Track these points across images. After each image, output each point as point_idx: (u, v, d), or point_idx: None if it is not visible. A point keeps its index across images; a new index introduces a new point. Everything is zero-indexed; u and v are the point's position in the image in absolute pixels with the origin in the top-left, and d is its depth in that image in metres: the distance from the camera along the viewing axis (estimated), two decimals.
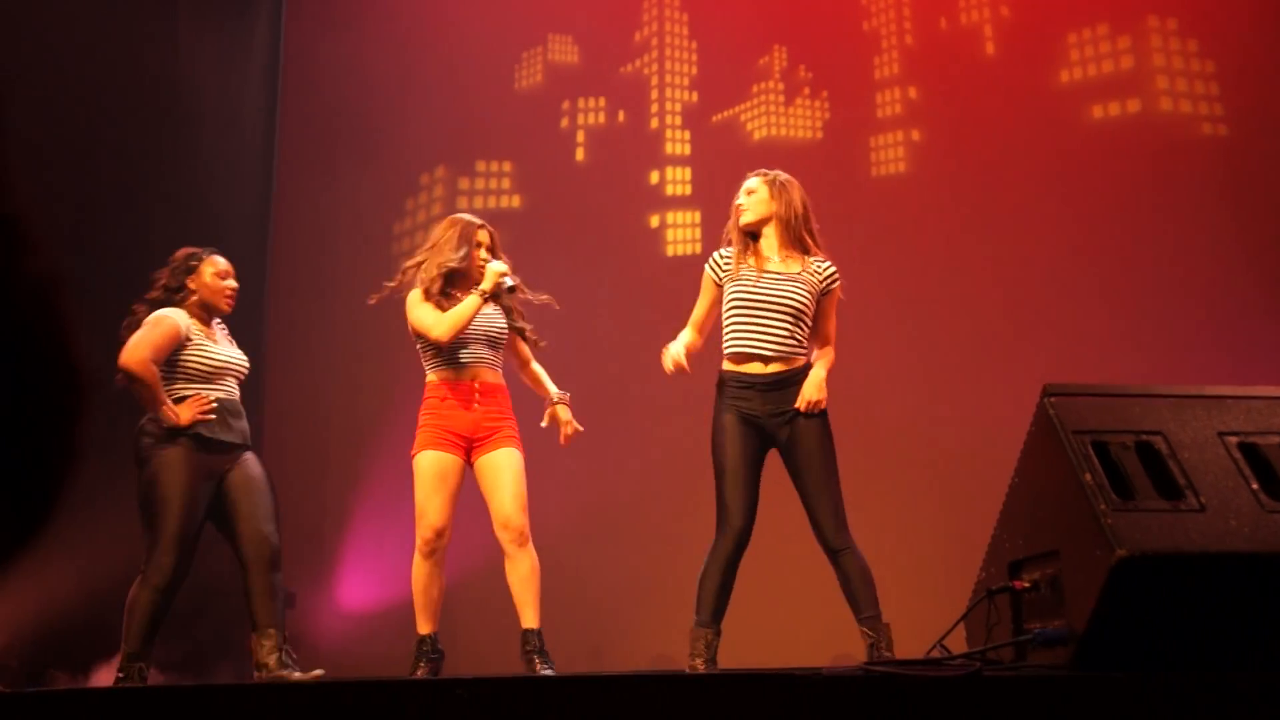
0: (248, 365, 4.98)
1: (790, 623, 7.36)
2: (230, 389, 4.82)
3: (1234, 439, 2.79)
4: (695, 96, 8.75)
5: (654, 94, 8.77)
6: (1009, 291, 7.91)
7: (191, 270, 4.81)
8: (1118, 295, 7.79)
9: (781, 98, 8.65)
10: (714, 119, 8.71)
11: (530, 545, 4.53)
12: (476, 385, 4.55)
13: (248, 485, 4.73)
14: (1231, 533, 2.59)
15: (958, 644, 3.33)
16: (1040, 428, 2.86)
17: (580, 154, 8.77)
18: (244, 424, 4.83)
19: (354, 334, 8.54)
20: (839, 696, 2.37)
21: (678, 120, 8.72)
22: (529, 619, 4.56)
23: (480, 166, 8.86)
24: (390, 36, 8.90)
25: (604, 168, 8.69)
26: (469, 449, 4.57)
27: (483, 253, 4.74)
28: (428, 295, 4.54)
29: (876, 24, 8.68)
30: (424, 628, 4.53)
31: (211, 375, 4.72)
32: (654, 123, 8.74)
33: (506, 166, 8.84)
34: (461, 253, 4.61)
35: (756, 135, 8.63)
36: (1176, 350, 7.39)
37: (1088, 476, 2.65)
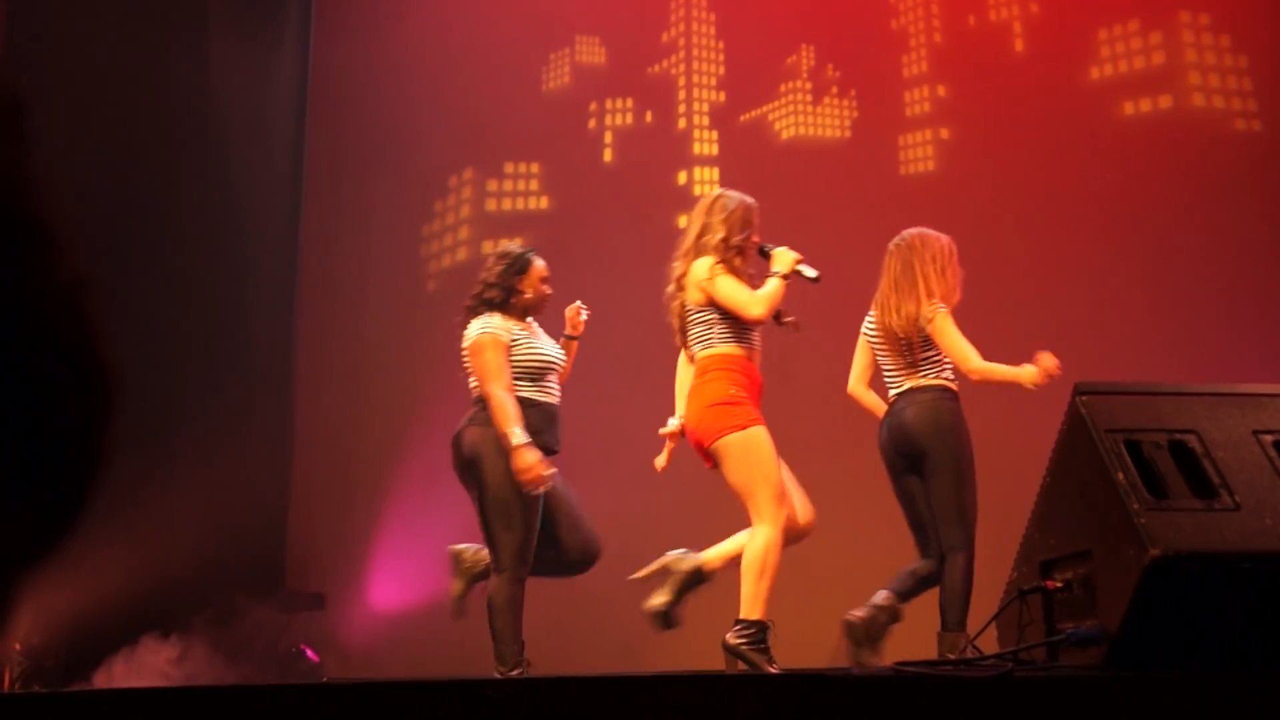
0: (564, 360, 4.97)
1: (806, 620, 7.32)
2: (552, 387, 4.86)
3: (1269, 437, 2.77)
4: (723, 96, 8.74)
5: (681, 94, 8.76)
6: (1040, 290, 7.86)
7: (523, 271, 4.86)
8: (1150, 294, 7.73)
9: (809, 97, 8.63)
10: (741, 119, 8.70)
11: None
12: (758, 366, 4.49)
13: (567, 492, 4.83)
14: (1267, 532, 2.57)
15: (990, 645, 3.32)
16: (1072, 427, 2.85)
17: (608, 155, 8.78)
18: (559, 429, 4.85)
19: (385, 336, 8.58)
20: (871, 697, 2.37)
21: (705, 120, 8.71)
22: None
23: (508, 168, 8.88)
24: (417, 41, 8.93)
25: (632, 168, 8.69)
26: None
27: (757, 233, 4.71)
28: (730, 270, 4.46)
29: (905, 22, 8.65)
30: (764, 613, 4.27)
31: (538, 373, 4.76)
32: (681, 123, 8.74)
33: (534, 168, 8.86)
34: (745, 234, 4.55)
35: (784, 135, 8.61)
36: (1210, 348, 7.33)
37: (1120, 475, 2.64)
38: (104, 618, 5.98)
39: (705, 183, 8.61)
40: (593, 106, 8.84)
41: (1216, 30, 8.22)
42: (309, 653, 7.22)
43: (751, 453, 4.20)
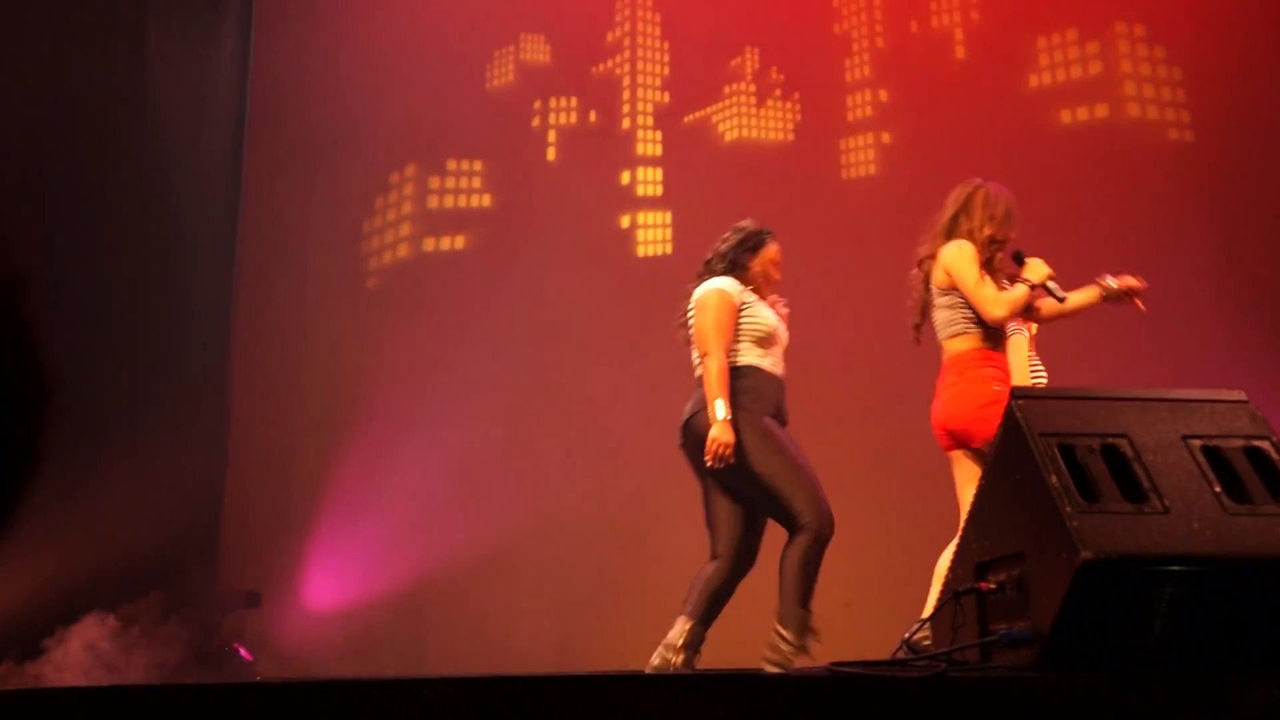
0: (786, 334, 4.81)
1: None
2: (778, 357, 4.71)
3: (1198, 442, 2.81)
4: (667, 97, 8.75)
5: (626, 94, 8.77)
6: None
7: (755, 249, 4.82)
8: None
9: (753, 99, 8.67)
10: (685, 120, 8.72)
11: None
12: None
13: None
14: (1194, 535, 2.62)
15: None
16: (1008, 430, 2.88)
17: (551, 154, 8.76)
18: None
19: (323, 332, 8.51)
20: (806, 697, 2.38)
21: (649, 121, 8.72)
22: None
23: (451, 165, 8.84)
24: (360, 36, 8.87)
25: (575, 168, 8.69)
26: None
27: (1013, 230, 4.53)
28: (984, 264, 4.36)
29: (848, 26, 8.71)
30: None
31: (766, 340, 4.63)
32: (625, 123, 8.74)
33: (477, 165, 8.83)
34: (1006, 232, 4.45)
35: (728, 136, 8.64)
36: (1142, 354, 7.44)
37: (1054, 479, 2.67)
38: (33, 614, 5.88)
39: (648, 183, 8.63)
40: (537, 105, 8.82)
41: (1151, 42, 8.35)
42: (242, 651, 7.15)
43: None
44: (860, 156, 8.54)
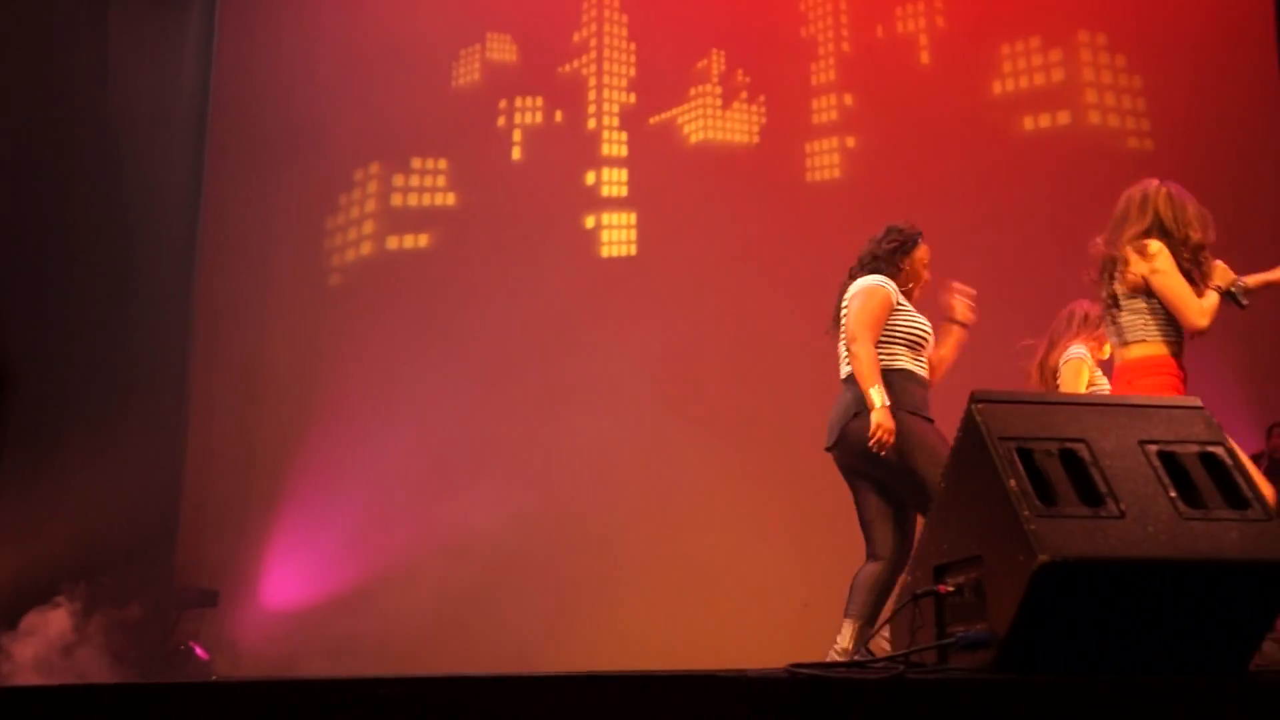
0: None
1: (725, 622, 7.38)
2: (925, 362, 4.71)
3: (1154, 447, 2.83)
4: (633, 98, 8.75)
5: (592, 94, 8.76)
6: (939, 299, 7.97)
7: (909, 251, 4.81)
8: (1046, 306, 7.88)
9: (719, 101, 8.68)
10: (651, 121, 8.72)
11: None
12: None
13: None
14: (1149, 539, 2.64)
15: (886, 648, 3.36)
16: (967, 434, 2.89)
17: (517, 153, 8.74)
18: None
19: (285, 330, 8.45)
20: (765, 698, 2.38)
21: (615, 121, 8.72)
22: None
23: (415, 163, 8.80)
24: (326, 33, 8.81)
25: (540, 167, 8.67)
26: None
27: None
28: (1185, 274, 4.22)
29: (814, 30, 8.73)
30: None
31: (917, 345, 4.63)
32: (591, 123, 8.73)
33: (442, 164, 8.79)
34: (1202, 238, 4.31)
35: (693, 138, 8.65)
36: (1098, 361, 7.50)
37: (1012, 483, 2.68)
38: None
39: (613, 183, 8.62)
40: (502, 104, 8.80)
41: (1113, 50, 8.43)
42: (198, 650, 7.08)
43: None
44: (825, 160, 8.57)
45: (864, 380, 4.38)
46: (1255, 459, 6.53)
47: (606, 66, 8.78)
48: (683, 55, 8.75)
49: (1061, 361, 5.05)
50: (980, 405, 2.88)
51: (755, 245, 8.19)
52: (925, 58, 8.60)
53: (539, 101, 8.78)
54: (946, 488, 2.98)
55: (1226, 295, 4.19)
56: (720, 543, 7.67)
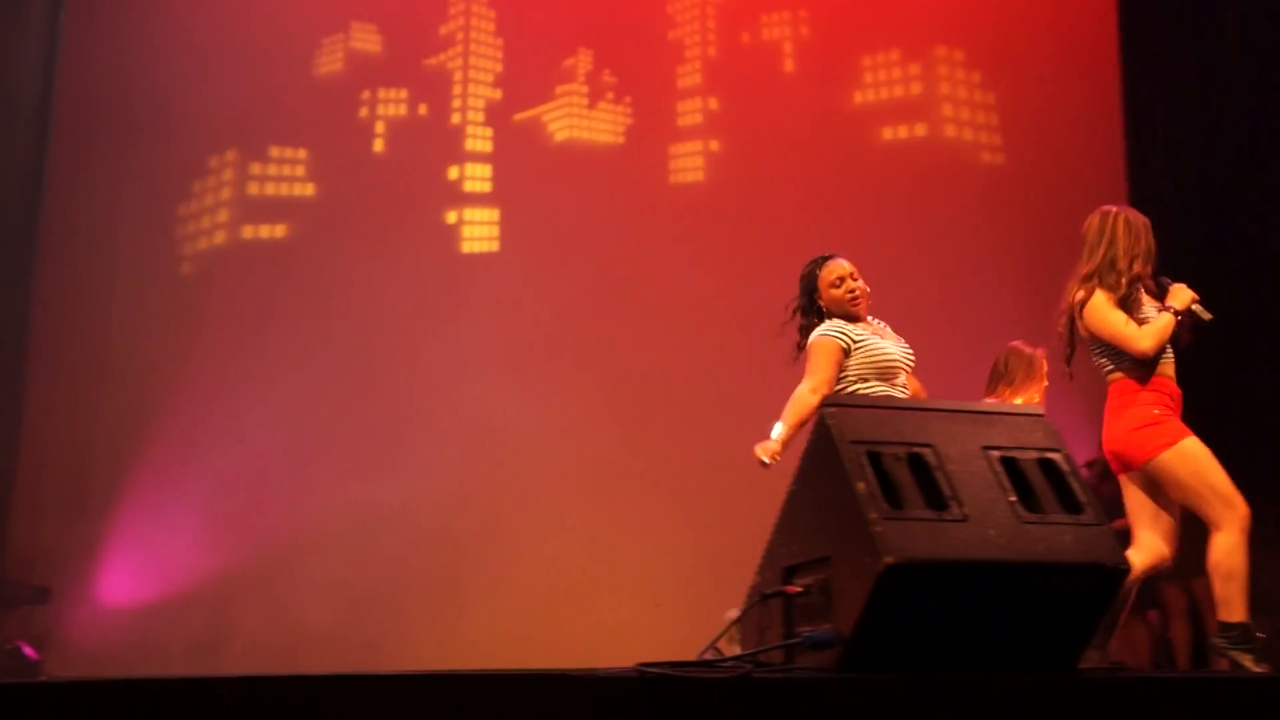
0: (913, 359, 4.79)
1: (583, 621, 7.38)
2: (904, 387, 4.65)
3: (996, 453, 2.92)
4: (499, 94, 8.70)
5: (457, 89, 8.68)
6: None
7: (814, 284, 4.83)
8: (899, 312, 8.05)
9: (585, 100, 8.68)
10: (516, 118, 8.68)
11: None
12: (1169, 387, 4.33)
13: None
14: (989, 542, 2.71)
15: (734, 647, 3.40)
16: (819, 437, 2.94)
17: (379, 145, 8.61)
18: None
19: (130, 320, 8.19)
20: (614, 697, 2.38)
21: (480, 117, 8.65)
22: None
23: (274, 152, 8.60)
24: (182, 13, 8.55)
25: (403, 160, 8.56)
26: None
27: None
28: (1120, 303, 4.33)
29: (681, 34, 8.79)
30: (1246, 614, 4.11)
31: (888, 373, 4.60)
32: (456, 118, 8.65)
33: (301, 154, 8.61)
34: (1150, 260, 4.40)
35: (559, 136, 8.63)
36: (953, 368, 7.69)
37: (861, 485, 2.74)
38: None
39: (477, 179, 8.56)
40: (365, 95, 8.66)
41: (969, 66, 8.67)
42: (26, 649, 6.81)
43: (1188, 464, 4.13)
44: (689, 163, 8.64)
45: (784, 416, 4.51)
46: (1090, 465, 6.77)
47: (473, 61, 8.70)
48: (550, 53, 8.72)
49: None
50: (832, 410, 2.93)
51: (618, 245, 8.22)
52: (789, 65, 8.72)
53: (403, 94, 8.66)
54: (797, 490, 3.03)
55: (1188, 314, 4.32)
56: (572, 542, 7.67)
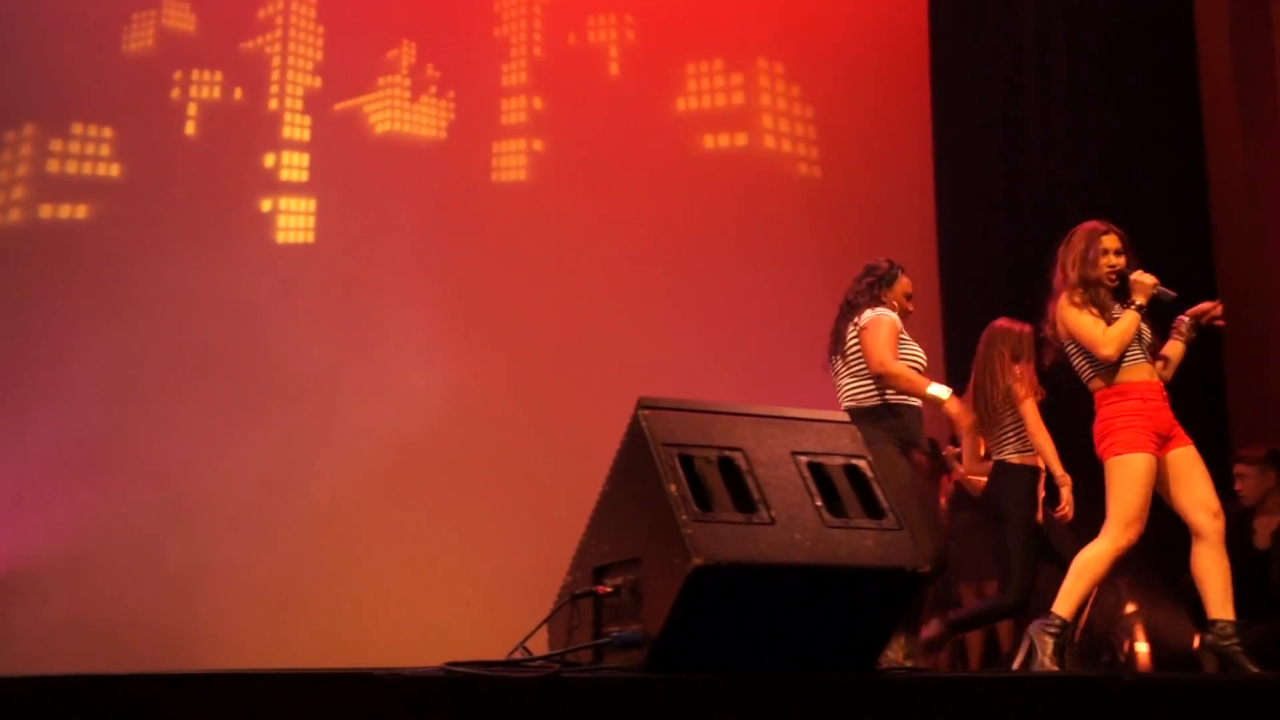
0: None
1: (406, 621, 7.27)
2: None
3: (804, 458, 2.99)
4: (319, 82, 8.51)
5: (275, 74, 8.45)
6: (614, 306, 8.17)
7: (889, 284, 5.07)
8: (715, 317, 8.21)
9: (407, 93, 8.57)
10: (336, 107, 8.51)
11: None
12: (1161, 384, 4.51)
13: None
14: (795, 545, 2.78)
15: (544, 647, 3.40)
16: (633, 438, 2.96)
17: (191, 128, 8.32)
18: None
19: None
20: (420, 697, 2.36)
21: (299, 104, 8.45)
22: (1231, 609, 4.29)
23: (76, 129, 8.22)
24: None
25: (216, 145, 8.29)
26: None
27: (1111, 258, 4.60)
28: (1088, 303, 4.54)
29: (507, 31, 8.76)
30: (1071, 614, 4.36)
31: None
32: (273, 104, 8.43)
33: (106, 132, 8.25)
34: (1089, 267, 4.57)
35: (379, 128, 8.50)
36: (761, 373, 7.87)
37: (672, 487, 2.77)
38: None
39: (294, 168, 8.36)
40: (177, 75, 8.35)
41: (789, 79, 8.88)
42: None
43: (1123, 477, 4.36)
44: (512, 161, 8.61)
45: (913, 388, 4.78)
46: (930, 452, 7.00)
47: (292, 48, 8.50)
48: (373, 43, 8.58)
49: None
50: (646, 411, 2.96)
51: (437, 241, 8.14)
52: (615, 69, 8.78)
53: (218, 76, 8.39)
54: (610, 491, 3.05)
55: (1153, 300, 4.52)
56: (381, 541, 7.56)
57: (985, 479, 6.71)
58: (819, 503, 2.91)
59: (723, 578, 2.67)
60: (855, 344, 4.94)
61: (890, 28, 8.81)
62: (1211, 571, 4.29)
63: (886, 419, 4.84)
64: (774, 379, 7.79)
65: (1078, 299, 4.55)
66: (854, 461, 3.05)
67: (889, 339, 4.85)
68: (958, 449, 6.68)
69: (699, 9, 8.84)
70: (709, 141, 8.82)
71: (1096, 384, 4.55)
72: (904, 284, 5.22)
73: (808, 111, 8.87)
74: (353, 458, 7.66)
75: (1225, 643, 4.25)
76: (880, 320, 4.91)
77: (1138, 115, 7.61)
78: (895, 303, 5.12)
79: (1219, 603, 4.27)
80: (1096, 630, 6.25)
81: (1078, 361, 4.64)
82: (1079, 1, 7.94)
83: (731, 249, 8.36)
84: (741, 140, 8.83)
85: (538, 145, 8.63)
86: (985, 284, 8.00)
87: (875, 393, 4.90)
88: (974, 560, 6.73)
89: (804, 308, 8.22)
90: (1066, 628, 4.32)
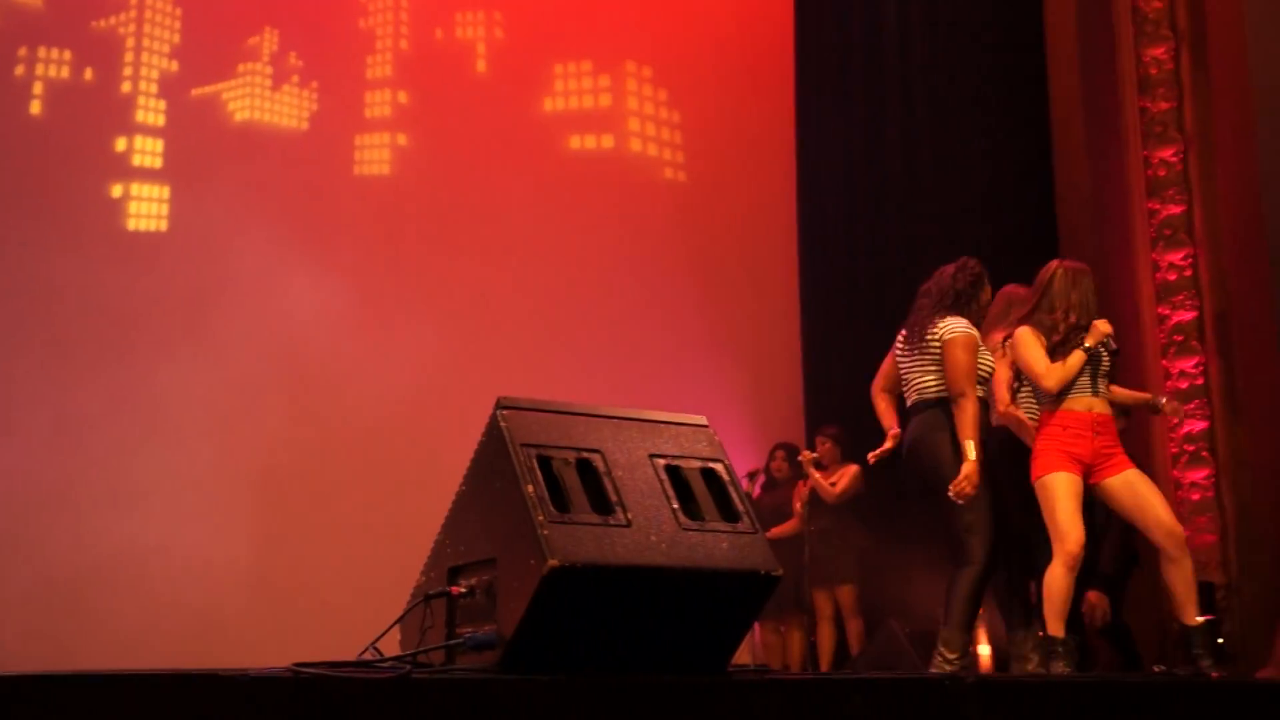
0: None
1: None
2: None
3: (662, 461, 3.01)
4: (175, 65, 8.28)
5: (129, 56, 8.19)
6: (476, 304, 8.12)
7: (982, 287, 5.01)
8: (578, 318, 8.22)
9: (269, 81, 8.39)
10: (194, 93, 8.29)
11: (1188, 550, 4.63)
12: (1094, 416, 4.66)
13: None
14: (652, 547, 2.80)
15: (396, 648, 3.36)
16: (491, 438, 2.94)
17: (36, 107, 8.01)
18: None
19: None
20: (267, 698, 2.31)
21: (153, 88, 8.20)
22: (1194, 615, 4.54)
23: None
24: None
25: (64, 127, 8.00)
26: (1086, 473, 4.65)
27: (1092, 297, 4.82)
28: (1054, 348, 4.70)
29: (373, 23, 8.65)
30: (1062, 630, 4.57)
31: (984, 380, 4.89)
32: (126, 86, 8.17)
33: None
34: (1089, 309, 4.73)
35: (238, 116, 8.30)
36: (621, 373, 7.91)
37: (530, 488, 2.76)
38: None
39: (147, 153, 8.12)
40: (22, 52, 8.03)
41: (657, 84, 8.93)
42: None
43: (1042, 494, 4.61)
44: (375, 155, 8.50)
45: (965, 432, 4.73)
46: (753, 475, 7.10)
47: (147, 29, 8.24)
48: (233, 29, 8.37)
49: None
50: (505, 412, 2.95)
51: (297, 233, 7.97)
52: (482, 66, 8.73)
53: (66, 55, 8.09)
54: (466, 491, 3.02)
55: (1101, 346, 4.70)
56: (236, 539, 7.38)
57: (839, 485, 6.86)
58: (675, 505, 2.93)
59: (578, 579, 2.67)
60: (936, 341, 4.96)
61: (756, 35, 8.93)
62: (1174, 582, 4.57)
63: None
64: (634, 381, 7.84)
65: (1057, 338, 4.75)
66: (711, 465, 3.07)
67: (973, 364, 4.87)
68: (814, 454, 6.81)
69: (568, 10, 8.84)
70: (575, 142, 8.83)
71: (1042, 410, 4.80)
72: (986, 293, 5.14)
73: (674, 116, 8.94)
74: (207, 454, 7.47)
75: (1192, 646, 4.56)
76: (969, 344, 4.89)
77: (993, 133, 7.83)
78: (980, 312, 5.09)
79: (1181, 609, 4.58)
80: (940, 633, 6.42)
81: (1028, 390, 4.93)
82: (939, 14, 8.13)
83: (596, 250, 8.38)
84: (608, 142, 8.85)
85: (402, 140, 8.53)
86: (846, 287, 8.15)
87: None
88: (828, 564, 6.85)
89: (667, 311, 8.29)
90: (1065, 642, 4.57)
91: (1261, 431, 6.48)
